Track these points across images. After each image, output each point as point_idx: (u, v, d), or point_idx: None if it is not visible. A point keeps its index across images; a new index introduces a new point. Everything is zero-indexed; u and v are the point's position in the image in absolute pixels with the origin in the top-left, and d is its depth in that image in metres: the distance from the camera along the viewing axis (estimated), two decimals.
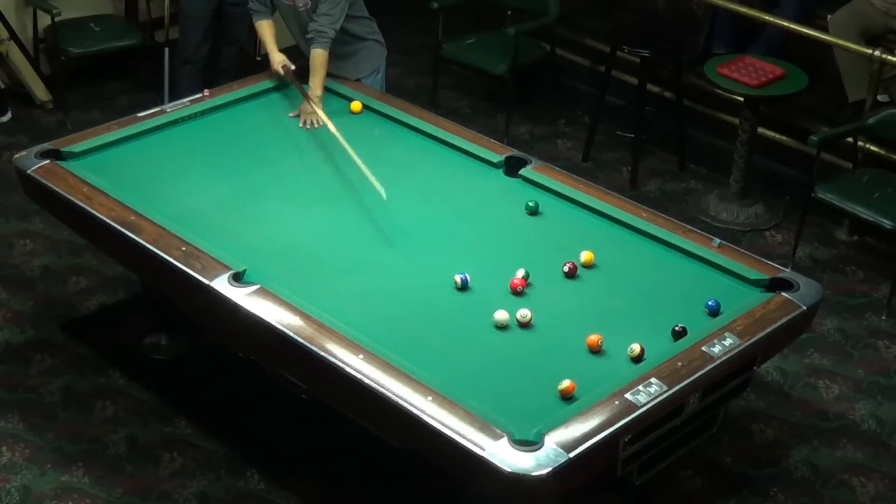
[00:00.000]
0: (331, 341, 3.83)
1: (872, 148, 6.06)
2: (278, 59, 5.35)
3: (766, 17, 6.49)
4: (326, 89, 5.34)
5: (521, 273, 4.22)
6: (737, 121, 6.27)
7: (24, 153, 4.81)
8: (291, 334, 3.87)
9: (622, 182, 6.56)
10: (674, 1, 7.16)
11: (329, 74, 5.31)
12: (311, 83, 5.22)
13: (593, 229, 4.56)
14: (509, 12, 7.09)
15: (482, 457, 3.43)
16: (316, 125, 5.12)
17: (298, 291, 4.07)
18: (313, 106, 5.14)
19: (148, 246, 4.28)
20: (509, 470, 3.39)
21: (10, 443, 4.68)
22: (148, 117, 5.09)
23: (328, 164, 4.91)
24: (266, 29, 5.46)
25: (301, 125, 5.15)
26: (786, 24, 6.37)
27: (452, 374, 3.77)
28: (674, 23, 7.10)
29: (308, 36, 5.25)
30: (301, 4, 5.31)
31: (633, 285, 4.28)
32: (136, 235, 4.32)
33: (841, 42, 6.20)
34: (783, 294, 4.15)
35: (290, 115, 5.21)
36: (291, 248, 4.40)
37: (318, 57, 5.21)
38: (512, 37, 6.51)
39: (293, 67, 5.34)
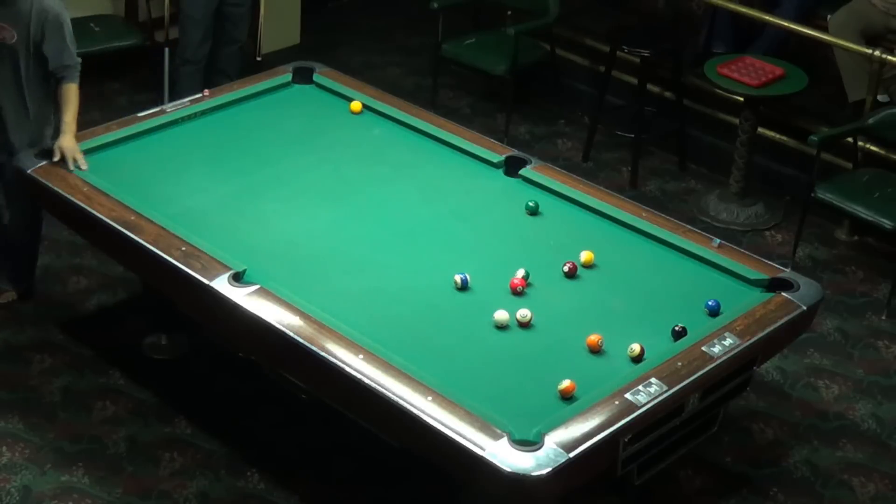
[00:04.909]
0: (331, 341, 3.83)
1: (872, 148, 6.06)
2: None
3: (766, 17, 6.48)
4: (326, 89, 5.36)
5: (521, 273, 4.22)
6: (737, 121, 6.26)
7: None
8: (291, 334, 3.87)
9: (622, 182, 6.56)
10: (674, 1, 7.16)
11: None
12: (67, 119, 4.83)
13: (593, 229, 4.56)
14: (509, 12, 7.08)
15: (482, 457, 3.43)
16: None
17: (298, 291, 4.07)
18: (73, 141, 4.79)
19: (148, 246, 4.28)
20: (509, 470, 3.39)
21: (10, 443, 4.68)
22: (148, 117, 5.09)
23: (328, 164, 4.91)
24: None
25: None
26: (786, 24, 6.37)
27: (452, 374, 3.77)
28: (674, 23, 7.10)
29: (57, 74, 4.90)
30: (9, 37, 4.83)
31: (633, 285, 4.28)
32: (136, 235, 4.32)
33: (841, 42, 6.19)
34: (783, 294, 4.15)
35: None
36: (291, 248, 4.40)
37: (73, 91, 4.89)
38: (512, 37, 6.51)
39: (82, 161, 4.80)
